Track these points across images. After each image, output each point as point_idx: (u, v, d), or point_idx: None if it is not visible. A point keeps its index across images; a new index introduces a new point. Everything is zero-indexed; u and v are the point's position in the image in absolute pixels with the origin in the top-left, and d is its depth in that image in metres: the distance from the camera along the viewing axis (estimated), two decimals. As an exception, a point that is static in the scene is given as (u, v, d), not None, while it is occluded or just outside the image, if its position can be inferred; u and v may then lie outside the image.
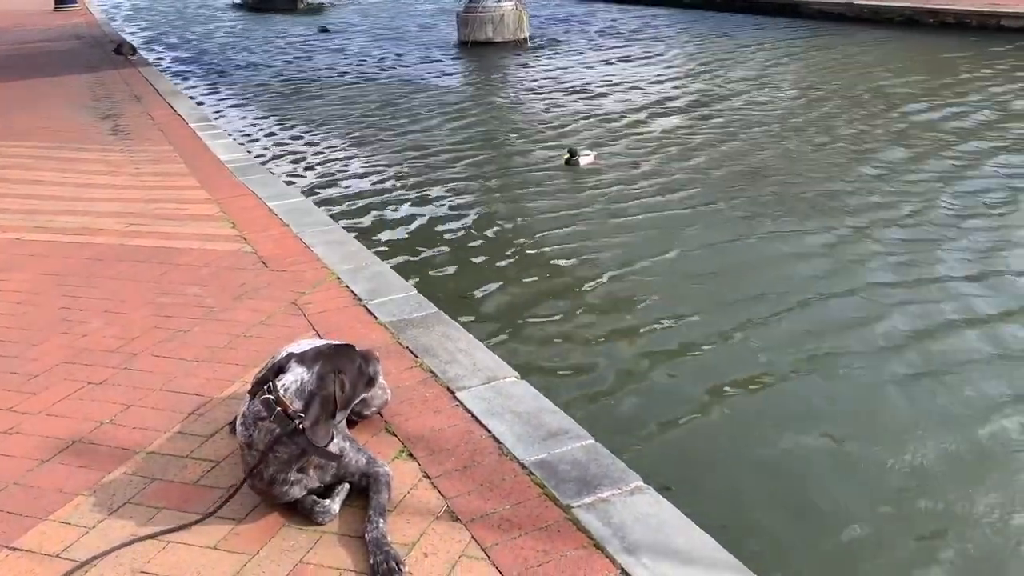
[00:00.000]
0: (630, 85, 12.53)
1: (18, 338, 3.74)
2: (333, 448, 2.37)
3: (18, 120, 9.23)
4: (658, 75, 13.26)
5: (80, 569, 2.25)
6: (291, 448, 2.29)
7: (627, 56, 15.27)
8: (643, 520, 2.30)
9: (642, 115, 10.51)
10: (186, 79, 15.13)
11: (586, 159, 8.24)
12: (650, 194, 7.32)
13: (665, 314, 5.04)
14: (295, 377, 2.35)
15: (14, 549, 2.36)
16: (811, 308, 5.05)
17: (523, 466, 2.58)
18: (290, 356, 2.45)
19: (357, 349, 2.57)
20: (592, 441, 2.70)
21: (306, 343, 2.68)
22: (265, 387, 2.35)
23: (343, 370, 2.42)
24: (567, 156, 8.28)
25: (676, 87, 12.24)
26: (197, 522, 2.38)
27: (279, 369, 2.41)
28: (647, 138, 9.35)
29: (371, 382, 2.60)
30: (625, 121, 10.25)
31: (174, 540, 2.36)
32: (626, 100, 11.49)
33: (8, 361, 3.52)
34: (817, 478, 3.53)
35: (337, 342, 2.63)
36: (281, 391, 2.32)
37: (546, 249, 6.21)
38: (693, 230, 6.45)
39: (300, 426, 2.28)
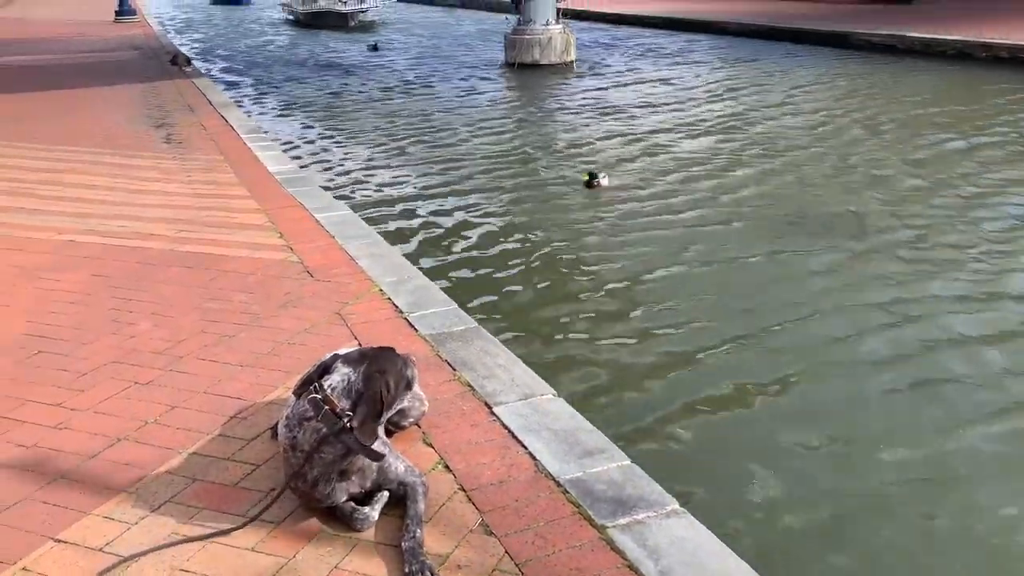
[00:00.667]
0: (668, 108, 12.54)
1: (69, 336, 3.84)
2: (377, 449, 2.40)
3: (76, 125, 9.49)
4: (694, 99, 13.27)
5: (122, 564, 2.30)
6: (337, 448, 2.33)
7: (667, 79, 15.30)
8: (678, 544, 2.29)
9: (672, 136, 10.53)
10: (237, 89, 15.46)
11: (604, 181, 8.35)
12: (684, 215, 7.30)
13: (706, 336, 5.01)
14: (341, 377, 2.40)
15: (59, 541, 2.42)
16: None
17: (558, 484, 2.59)
18: (335, 357, 2.50)
19: (397, 352, 2.62)
20: (628, 462, 2.69)
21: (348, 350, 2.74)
22: (312, 387, 2.39)
23: (387, 371, 2.46)
24: (586, 179, 8.40)
25: (709, 111, 12.27)
26: (239, 527, 2.41)
27: (325, 370, 2.45)
28: (679, 160, 9.34)
29: (409, 385, 2.64)
30: (654, 141, 10.28)
31: (213, 540, 2.40)
32: (660, 122, 11.52)
33: (59, 359, 3.62)
34: (873, 515, 3.46)
35: (380, 346, 2.68)
36: (328, 391, 2.36)
37: (585, 267, 6.22)
38: (730, 250, 6.43)
39: (348, 424, 2.31)
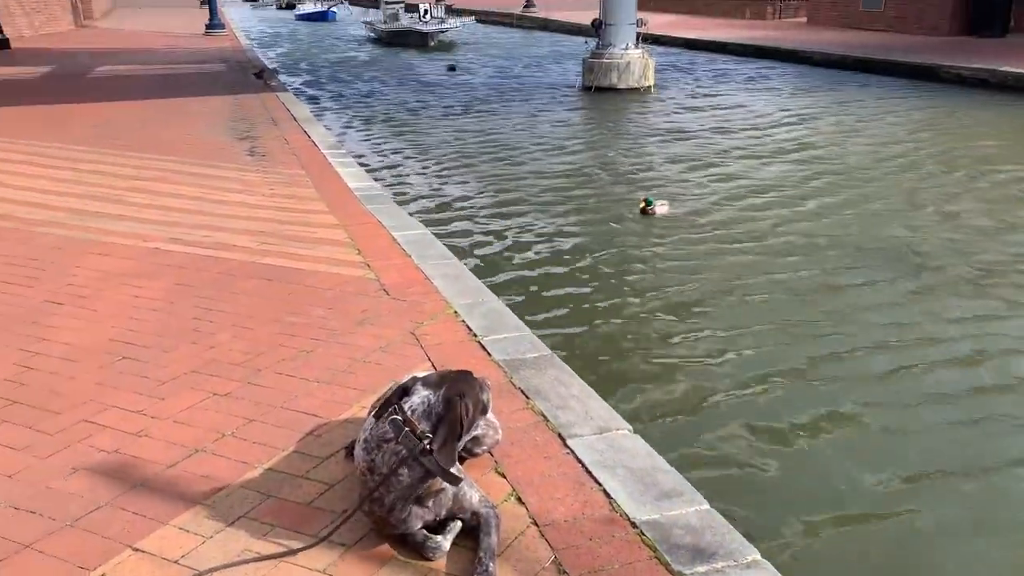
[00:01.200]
0: (741, 135, 12.36)
1: (152, 344, 3.92)
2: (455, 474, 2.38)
3: (165, 135, 9.80)
4: (769, 127, 13.04)
5: (196, 577, 2.32)
6: (416, 470, 2.31)
7: (744, 105, 15.10)
8: (759, 597, 2.20)
9: (742, 164, 10.33)
10: (319, 103, 15.80)
11: (662, 208, 8.28)
12: (751, 243, 7.15)
13: (779, 371, 4.88)
14: (421, 399, 2.39)
15: (137, 550, 2.45)
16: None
17: (634, 525, 2.52)
18: (415, 379, 2.49)
19: (474, 376, 2.61)
20: (707, 507, 2.61)
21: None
22: (391, 408, 2.38)
23: (466, 394, 2.45)
24: (642, 205, 8.36)
25: (782, 139, 12.04)
26: (310, 547, 2.41)
27: (404, 391, 2.44)
28: (748, 187, 9.17)
29: (485, 410, 2.63)
30: (724, 169, 10.11)
31: (285, 560, 2.40)
32: (731, 148, 11.35)
33: (141, 365, 3.70)
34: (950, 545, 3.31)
35: (458, 369, 2.66)
36: (408, 412, 2.35)
37: (651, 293, 6.13)
38: (800, 280, 6.26)
39: (428, 447, 2.30)
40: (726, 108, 14.95)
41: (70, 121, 10.86)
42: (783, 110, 14.65)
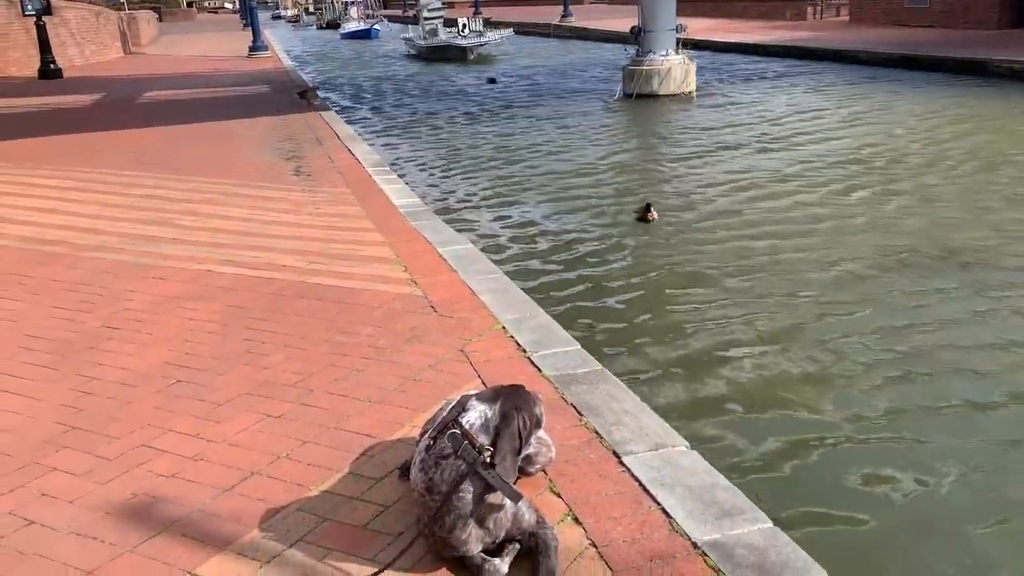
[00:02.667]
0: (784, 141, 12.18)
1: (207, 367, 3.97)
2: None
3: (213, 158, 9.97)
4: (815, 128, 12.84)
5: (256, 604, 2.32)
6: (477, 486, 2.29)
7: (788, 105, 14.89)
8: (829, 620, 2.13)
9: (785, 167, 10.16)
10: (362, 122, 15.96)
11: (654, 214, 8.28)
12: (800, 246, 7.02)
13: (838, 381, 4.77)
14: (478, 414, 2.38)
15: None
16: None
17: (695, 545, 2.46)
18: (468, 397, 2.48)
19: (528, 390, 2.59)
20: (771, 525, 2.54)
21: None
22: (450, 423, 2.38)
23: (522, 407, 2.44)
24: (637, 215, 8.38)
25: (829, 138, 11.87)
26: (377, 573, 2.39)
27: (461, 408, 2.44)
28: (796, 187, 9.01)
29: (539, 424, 2.61)
30: (769, 172, 9.94)
31: (344, 585, 2.39)
32: (775, 155, 11.16)
33: (196, 388, 3.74)
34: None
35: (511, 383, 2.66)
36: (466, 427, 2.34)
37: (697, 305, 6.04)
38: (846, 286, 6.12)
39: (488, 459, 2.28)
40: (770, 110, 14.77)
41: (121, 147, 11.11)
42: (830, 110, 14.43)
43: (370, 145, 11.62)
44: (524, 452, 2.56)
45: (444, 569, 2.42)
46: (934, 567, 3.29)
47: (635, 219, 8.37)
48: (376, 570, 2.39)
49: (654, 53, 17.21)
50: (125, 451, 3.21)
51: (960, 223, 7.86)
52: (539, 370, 3.74)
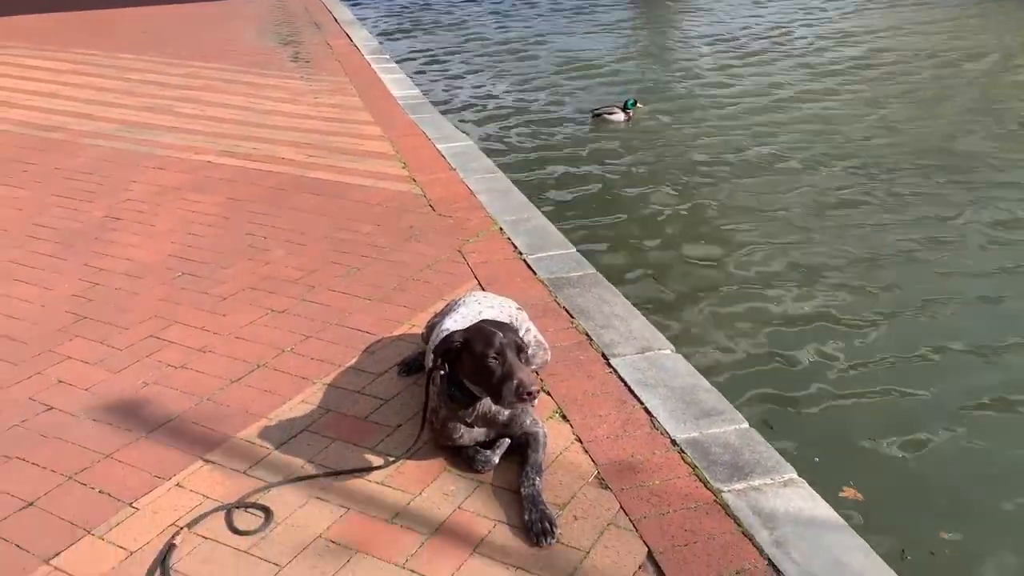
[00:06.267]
0: (791, 45, 11.94)
1: (210, 260, 4.08)
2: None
3: (210, 42, 9.80)
4: (810, 25, 12.56)
5: (265, 489, 2.49)
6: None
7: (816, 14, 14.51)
8: (794, 514, 2.31)
9: (793, 68, 10.03)
10: (358, 4, 15.53)
11: (615, 116, 8.01)
12: (815, 161, 7.04)
13: (845, 297, 4.88)
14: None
15: (208, 461, 2.64)
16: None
17: (674, 442, 2.63)
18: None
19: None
20: (747, 426, 2.71)
21: (480, 296, 2.88)
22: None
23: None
24: (594, 111, 8.15)
25: (823, 45, 11.59)
26: (381, 468, 2.56)
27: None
28: (803, 94, 8.94)
29: (520, 348, 2.50)
30: (772, 76, 9.83)
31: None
32: (781, 56, 10.98)
33: (201, 281, 3.86)
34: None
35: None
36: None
37: (712, 217, 6.11)
38: (848, 212, 6.18)
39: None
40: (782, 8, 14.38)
41: (116, 26, 10.88)
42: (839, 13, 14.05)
43: (369, 30, 11.39)
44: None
45: (440, 458, 2.60)
46: (906, 465, 3.50)
47: (591, 117, 8.16)
48: (384, 464, 2.56)
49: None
50: (135, 341, 3.36)
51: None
52: (534, 273, 3.85)
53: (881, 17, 13.23)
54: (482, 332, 2.45)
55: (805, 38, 11.89)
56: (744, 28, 12.76)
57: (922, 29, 12.17)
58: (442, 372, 2.49)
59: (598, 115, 8.10)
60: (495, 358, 2.38)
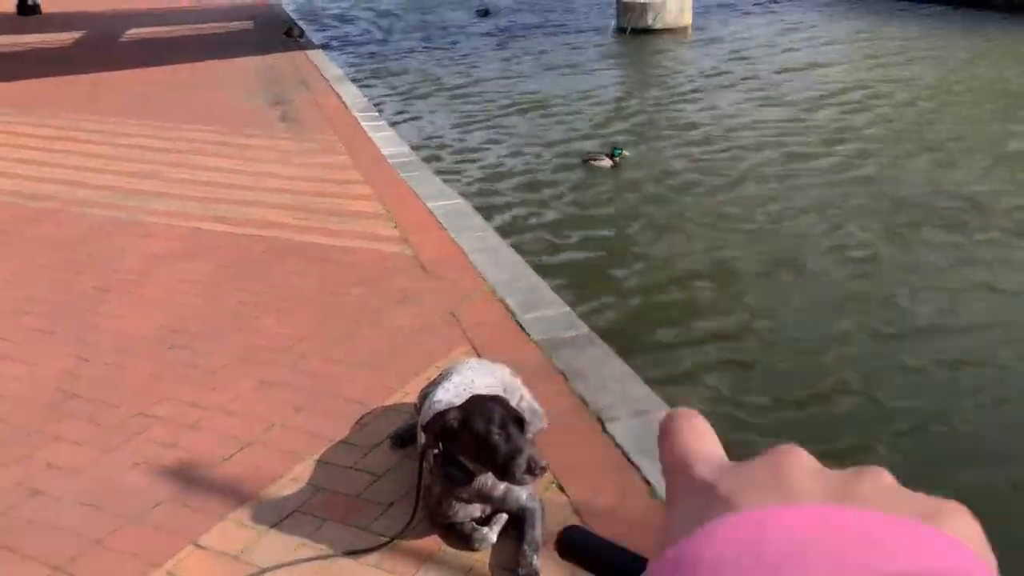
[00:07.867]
0: (781, 83, 12.09)
1: (200, 330, 4.04)
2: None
3: (198, 104, 9.86)
4: (812, 64, 12.72)
5: (260, 575, 2.43)
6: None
7: (786, 44, 14.71)
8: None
9: (783, 109, 10.13)
10: (348, 59, 15.69)
11: (601, 163, 8.08)
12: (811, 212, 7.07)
13: (837, 354, 4.87)
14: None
15: (199, 546, 2.58)
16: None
17: (674, 513, 2.58)
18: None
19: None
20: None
21: (474, 363, 2.85)
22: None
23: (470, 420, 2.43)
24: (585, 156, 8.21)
25: (829, 77, 11.73)
26: (374, 550, 2.50)
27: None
28: (791, 135, 9.01)
29: (520, 421, 2.48)
30: (759, 117, 9.92)
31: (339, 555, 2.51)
32: (770, 96, 11.10)
33: (191, 354, 3.82)
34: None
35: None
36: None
37: (689, 266, 6.10)
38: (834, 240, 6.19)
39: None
40: (768, 49, 14.60)
41: (103, 91, 10.97)
42: (828, 45, 14.25)
43: (358, 87, 11.49)
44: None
45: (434, 536, 2.55)
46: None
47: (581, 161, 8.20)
48: (376, 545, 2.51)
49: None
50: (125, 419, 3.31)
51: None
52: (528, 335, 3.82)
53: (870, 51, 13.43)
54: (480, 408, 2.41)
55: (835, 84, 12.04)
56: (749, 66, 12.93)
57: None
58: (435, 451, 2.45)
59: (586, 161, 8.19)
60: (499, 434, 2.35)
